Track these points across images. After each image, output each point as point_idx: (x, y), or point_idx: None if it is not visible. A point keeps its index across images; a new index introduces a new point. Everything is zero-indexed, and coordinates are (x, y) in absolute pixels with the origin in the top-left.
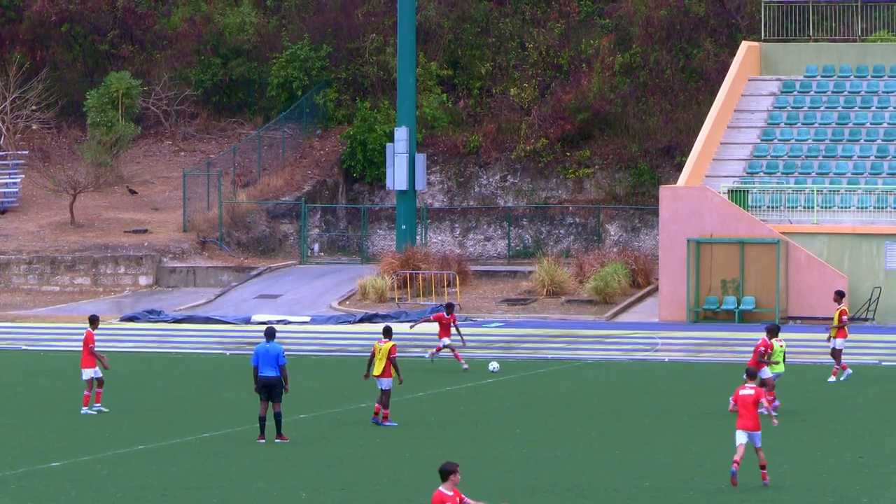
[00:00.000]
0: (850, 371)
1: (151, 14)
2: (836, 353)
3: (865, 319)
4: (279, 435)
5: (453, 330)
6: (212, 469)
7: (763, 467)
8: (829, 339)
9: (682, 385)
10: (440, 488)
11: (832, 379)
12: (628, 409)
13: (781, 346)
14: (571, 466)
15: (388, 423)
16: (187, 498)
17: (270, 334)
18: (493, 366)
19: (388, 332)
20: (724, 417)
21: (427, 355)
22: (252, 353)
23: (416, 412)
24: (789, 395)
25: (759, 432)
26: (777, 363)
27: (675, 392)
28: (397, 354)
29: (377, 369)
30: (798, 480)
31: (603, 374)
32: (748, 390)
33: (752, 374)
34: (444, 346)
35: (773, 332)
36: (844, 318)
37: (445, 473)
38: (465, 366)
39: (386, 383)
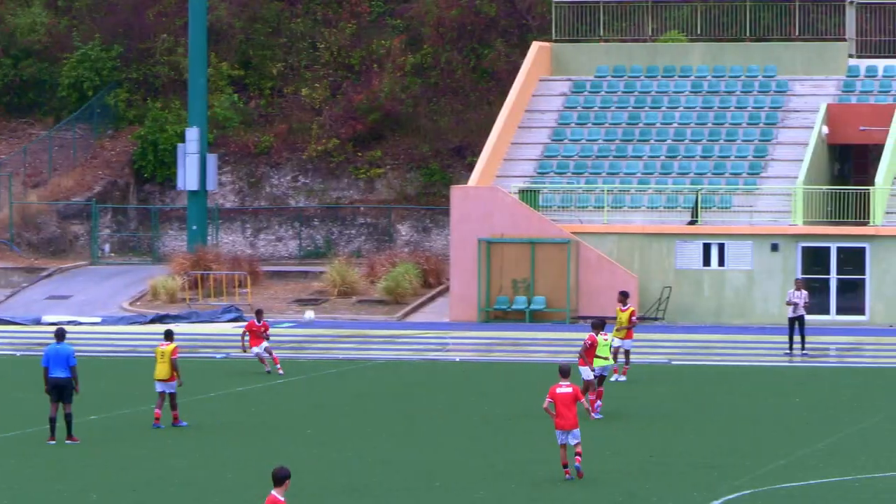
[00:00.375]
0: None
1: None
2: (626, 353)
3: (655, 319)
4: (70, 436)
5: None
6: (1, 471)
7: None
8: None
9: (473, 385)
10: (273, 493)
11: (622, 378)
12: (419, 409)
13: (607, 341)
14: (362, 467)
15: (179, 424)
16: None
17: (60, 335)
18: (309, 315)
19: (169, 335)
20: (514, 417)
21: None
22: (42, 354)
23: (208, 413)
24: None
25: (578, 430)
26: (605, 358)
27: (466, 392)
28: (179, 356)
29: (159, 372)
30: (589, 479)
31: (394, 375)
32: (565, 388)
33: (565, 373)
34: (259, 353)
35: (598, 326)
36: (634, 318)
37: (281, 478)
38: (281, 371)
39: (170, 386)
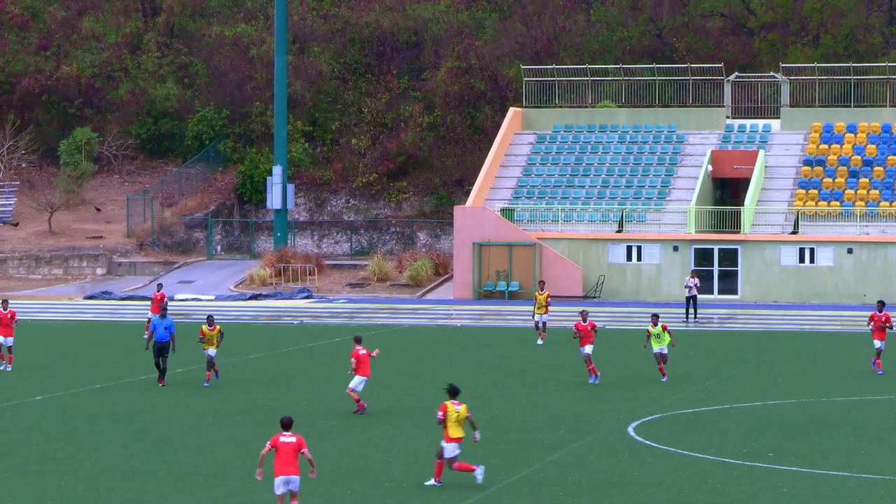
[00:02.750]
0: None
1: (105, 87)
2: (544, 325)
3: (594, 297)
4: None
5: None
6: (136, 401)
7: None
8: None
9: (470, 342)
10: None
11: (540, 342)
12: (433, 359)
13: (655, 330)
14: (392, 394)
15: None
16: (131, 420)
17: (163, 310)
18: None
19: (210, 320)
20: (494, 367)
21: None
22: (150, 323)
23: (288, 362)
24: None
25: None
26: (662, 341)
27: (465, 348)
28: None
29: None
30: (539, 403)
31: (416, 335)
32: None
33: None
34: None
35: (654, 319)
36: (549, 299)
37: (287, 424)
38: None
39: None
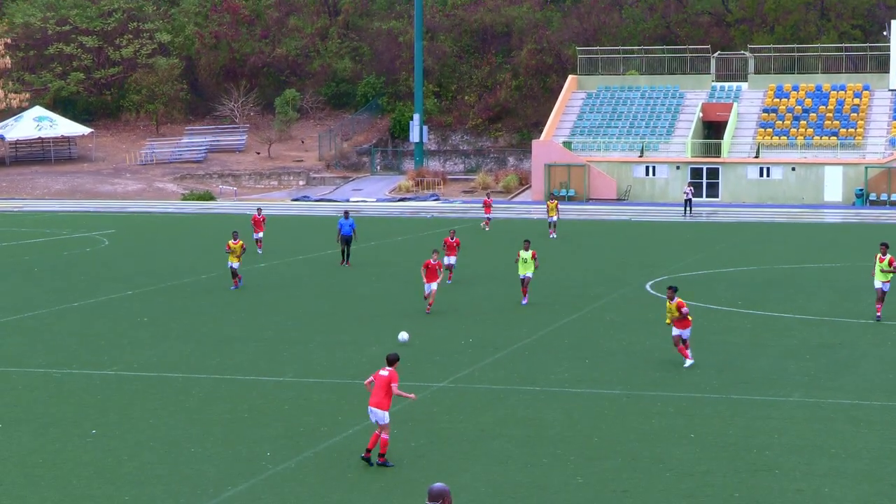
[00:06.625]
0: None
1: (304, 62)
2: (554, 224)
3: (624, 199)
4: (347, 262)
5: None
6: (323, 278)
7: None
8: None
9: (543, 229)
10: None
11: (553, 236)
12: (513, 241)
13: (526, 254)
14: (478, 264)
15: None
16: (302, 296)
17: (346, 213)
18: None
19: (234, 235)
20: (557, 244)
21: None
22: (338, 223)
23: (415, 245)
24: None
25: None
26: (528, 266)
27: (542, 233)
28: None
29: (235, 256)
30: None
31: (507, 225)
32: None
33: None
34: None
35: (526, 244)
36: (558, 205)
37: (393, 360)
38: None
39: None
